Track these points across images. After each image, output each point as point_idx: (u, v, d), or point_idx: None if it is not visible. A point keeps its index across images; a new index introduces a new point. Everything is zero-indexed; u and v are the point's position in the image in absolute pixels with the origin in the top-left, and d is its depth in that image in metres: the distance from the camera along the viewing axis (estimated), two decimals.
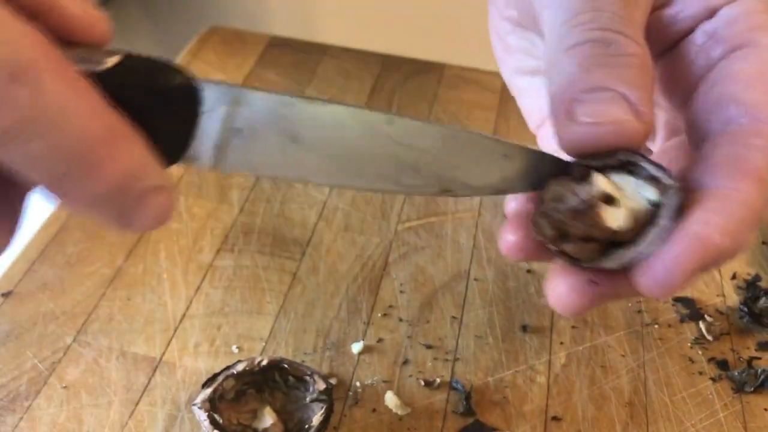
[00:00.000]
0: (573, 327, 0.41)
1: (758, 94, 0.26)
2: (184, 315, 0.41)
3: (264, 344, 0.40)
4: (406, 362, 0.39)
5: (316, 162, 0.23)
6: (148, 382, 0.38)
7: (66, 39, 0.21)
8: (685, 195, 0.24)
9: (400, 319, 0.41)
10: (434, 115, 0.55)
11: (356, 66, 0.59)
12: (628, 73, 0.25)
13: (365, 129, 0.23)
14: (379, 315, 0.41)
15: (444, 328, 0.41)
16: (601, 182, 0.25)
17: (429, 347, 0.40)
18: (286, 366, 0.36)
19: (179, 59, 0.58)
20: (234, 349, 0.39)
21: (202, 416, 0.34)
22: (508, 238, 0.27)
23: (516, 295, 0.43)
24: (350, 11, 0.65)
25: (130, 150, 0.20)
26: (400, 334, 0.41)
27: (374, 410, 0.37)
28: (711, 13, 0.28)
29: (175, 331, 0.40)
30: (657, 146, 0.32)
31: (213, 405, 0.35)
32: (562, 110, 0.26)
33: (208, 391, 0.35)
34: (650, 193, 0.25)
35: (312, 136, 0.23)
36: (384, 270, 0.44)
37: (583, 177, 0.25)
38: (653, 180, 0.25)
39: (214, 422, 0.34)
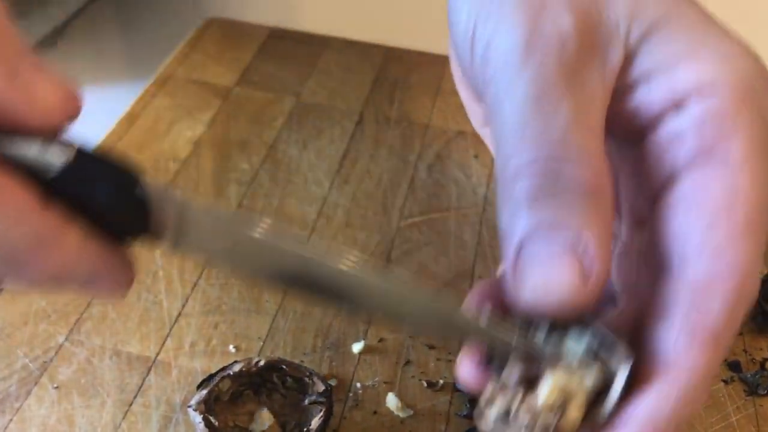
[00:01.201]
0: None
1: (721, 235, 0.23)
2: (179, 313, 0.40)
3: (262, 344, 0.39)
4: (407, 363, 0.38)
5: (260, 272, 0.23)
6: (142, 383, 0.36)
7: (23, 129, 0.21)
8: (637, 355, 0.24)
9: None
10: (437, 108, 0.53)
11: (358, 58, 0.58)
12: (581, 205, 0.23)
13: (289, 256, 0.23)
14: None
15: None
16: (550, 396, 0.23)
17: (431, 347, 0.39)
18: (284, 367, 0.35)
19: (177, 51, 0.57)
20: (231, 348, 0.38)
21: (197, 418, 0.33)
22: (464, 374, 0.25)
23: None
24: (352, 2, 0.64)
25: (59, 250, 0.21)
26: (401, 334, 0.39)
27: (375, 412, 0.36)
28: (678, 104, 0.24)
29: (171, 330, 0.39)
30: (622, 235, 0.29)
31: (208, 407, 0.33)
32: (511, 260, 0.23)
33: (204, 392, 0.34)
34: (593, 376, 0.23)
35: (248, 253, 0.23)
36: (386, 267, 0.43)
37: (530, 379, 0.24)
38: (603, 346, 0.24)
39: (209, 424, 0.33)
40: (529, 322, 0.24)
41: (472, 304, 0.26)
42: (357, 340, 0.39)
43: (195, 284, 0.41)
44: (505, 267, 0.23)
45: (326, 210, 0.46)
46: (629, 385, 0.23)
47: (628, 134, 0.26)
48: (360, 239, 0.44)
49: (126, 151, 0.48)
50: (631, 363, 0.23)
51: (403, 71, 0.56)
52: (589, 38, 0.25)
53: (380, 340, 0.39)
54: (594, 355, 0.24)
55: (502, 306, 0.25)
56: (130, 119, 0.51)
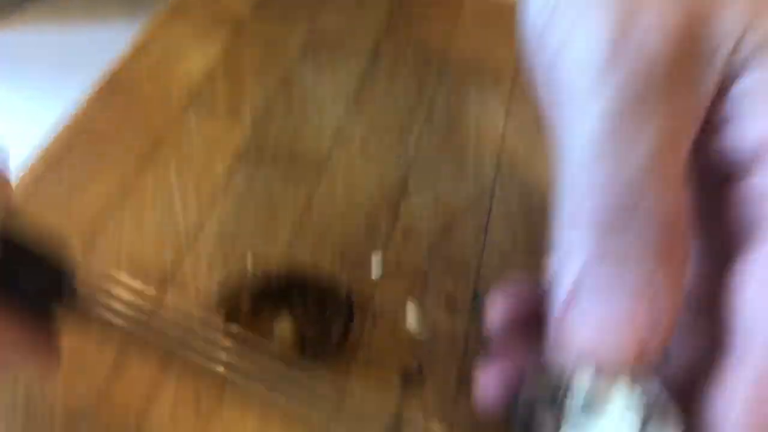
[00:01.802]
0: None
1: None
2: (196, 232, 0.39)
3: (280, 262, 0.38)
4: (427, 284, 0.38)
5: None
6: (161, 300, 0.36)
7: None
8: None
9: (420, 242, 0.40)
10: (455, 40, 0.53)
11: None
12: (657, 242, 0.19)
13: None
14: (399, 238, 0.40)
15: (467, 249, 0.39)
16: None
17: (450, 269, 0.39)
18: (305, 279, 0.35)
19: None
20: (249, 266, 0.38)
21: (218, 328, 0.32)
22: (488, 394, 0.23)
23: (540, 215, 0.41)
24: None
25: None
26: (420, 256, 0.39)
27: (394, 332, 0.36)
28: None
29: (188, 247, 0.38)
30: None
31: (229, 318, 0.33)
32: (561, 301, 0.20)
33: (224, 304, 0.33)
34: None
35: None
36: (403, 193, 0.42)
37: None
38: (651, 407, 0.20)
39: (230, 334, 0.32)
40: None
41: (493, 315, 0.23)
42: (376, 261, 0.39)
43: (211, 204, 0.41)
44: (553, 304, 0.20)
45: (341, 140, 0.45)
46: None
47: (709, 177, 0.22)
48: (377, 165, 0.44)
49: (137, 79, 0.48)
50: None
51: (418, 8, 0.55)
52: (689, 50, 0.20)
53: (398, 263, 0.39)
54: (639, 416, 0.20)
55: (529, 320, 0.23)
56: (141, 48, 0.50)
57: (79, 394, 0.31)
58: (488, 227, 0.41)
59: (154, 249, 0.38)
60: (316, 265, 0.38)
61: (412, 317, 0.36)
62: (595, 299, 0.19)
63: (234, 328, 0.33)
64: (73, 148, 0.43)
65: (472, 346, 0.35)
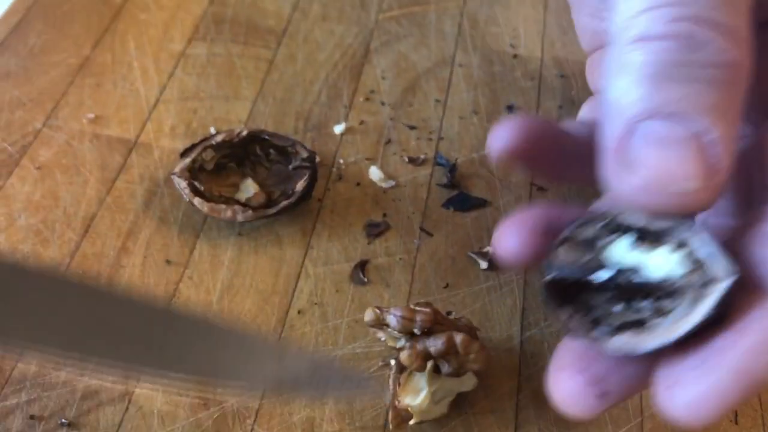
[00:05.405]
0: (560, 107, 0.40)
1: None
2: (158, 100, 0.39)
3: (243, 126, 0.38)
4: (389, 142, 0.38)
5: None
6: (125, 162, 0.36)
7: None
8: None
9: (383, 103, 0.40)
10: None
11: None
12: (714, 96, 0.18)
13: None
14: (361, 99, 0.40)
15: (427, 111, 0.40)
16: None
17: (412, 128, 0.39)
18: (267, 137, 0.35)
19: None
20: (212, 130, 0.38)
21: (181, 184, 0.33)
22: (508, 241, 0.21)
23: (501, 78, 0.42)
24: None
25: None
26: (382, 116, 0.39)
27: (358, 184, 0.36)
28: None
29: (150, 114, 0.39)
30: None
31: (193, 174, 0.34)
32: (615, 145, 0.19)
33: (187, 160, 0.34)
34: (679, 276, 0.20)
35: None
36: (365, 58, 0.42)
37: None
38: (698, 264, 0.20)
39: (194, 189, 0.33)
40: (612, 225, 0.21)
41: (496, 142, 0.21)
42: (338, 122, 0.39)
43: (171, 74, 0.40)
44: (604, 159, 0.19)
45: (302, 4, 0.45)
46: (723, 315, 0.19)
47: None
48: (338, 31, 0.43)
49: None
50: (733, 279, 0.19)
51: None
52: None
53: (361, 123, 0.39)
54: (692, 261, 0.20)
55: (550, 161, 0.22)
56: None
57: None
58: (449, 91, 0.41)
59: (116, 116, 0.38)
60: (278, 128, 0.38)
61: (375, 171, 0.37)
62: (652, 146, 0.18)
63: (199, 184, 0.33)
64: (28, 22, 0.42)
65: (435, 192, 0.36)
